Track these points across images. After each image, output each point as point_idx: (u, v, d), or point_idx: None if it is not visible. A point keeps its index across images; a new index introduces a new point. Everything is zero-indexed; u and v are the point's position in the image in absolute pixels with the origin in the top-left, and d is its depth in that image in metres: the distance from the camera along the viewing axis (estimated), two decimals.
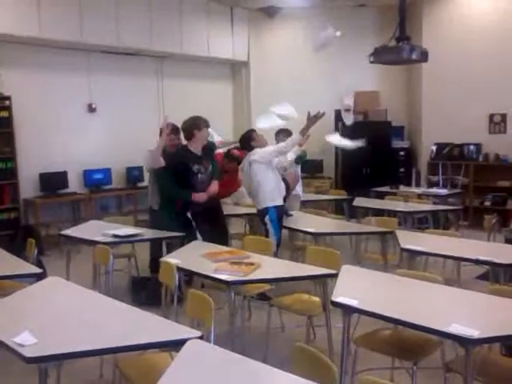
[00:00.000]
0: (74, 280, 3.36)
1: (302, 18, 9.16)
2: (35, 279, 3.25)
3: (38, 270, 3.42)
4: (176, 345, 2.21)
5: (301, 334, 3.65)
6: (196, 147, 4.76)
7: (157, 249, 5.25)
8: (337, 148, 9.10)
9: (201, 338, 2.25)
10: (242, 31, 9.29)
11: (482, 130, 7.99)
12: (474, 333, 2.21)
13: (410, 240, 4.07)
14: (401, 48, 5.10)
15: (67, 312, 2.63)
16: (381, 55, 5.22)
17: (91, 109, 7.68)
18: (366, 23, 9.11)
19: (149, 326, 2.46)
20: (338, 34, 5.72)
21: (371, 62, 5.35)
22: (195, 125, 4.72)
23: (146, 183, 6.40)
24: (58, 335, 2.30)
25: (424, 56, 5.31)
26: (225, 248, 4.19)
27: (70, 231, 4.78)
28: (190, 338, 2.20)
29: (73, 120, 7.47)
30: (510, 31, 7.64)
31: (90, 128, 7.61)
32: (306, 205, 6.19)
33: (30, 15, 6.46)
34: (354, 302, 2.64)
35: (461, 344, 2.26)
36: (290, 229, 5.15)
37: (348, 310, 2.68)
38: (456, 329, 2.26)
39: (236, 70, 9.76)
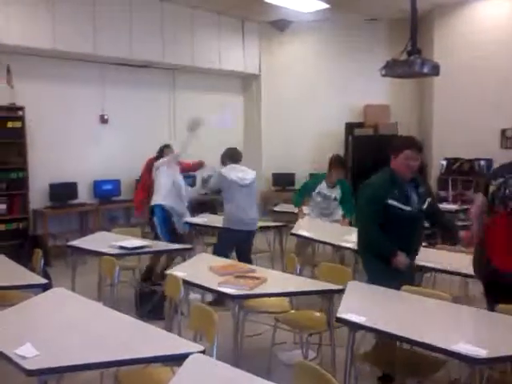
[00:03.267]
0: (79, 291, 3.35)
1: (313, 31, 9.20)
2: (41, 290, 3.25)
3: (44, 281, 3.42)
4: (178, 359, 2.19)
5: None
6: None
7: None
8: (346, 161, 9.08)
9: (203, 352, 2.23)
10: (253, 44, 9.35)
11: (493, 144, 7.91)
12: (481, 352, 2.17)
13: (419, 255, 4.02)
14: (412, 61, 5.09)
15: (71, 324, 2.62)
16: (392, 68, 5.22)
17: (103, 120, 7.75)
18: (378, 36, 9.12)
19: (151, 339, 2.45)
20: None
21: (383, 75, 5.35)
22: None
23: None
24: (60, 347, 2.29)
25: (435, 70, 5.30)
26: (230, 262, 4.17)
27: (77, 242, 4.79)
28: (193, 353, 2.18)
29: (85, 131, 7.53)
30: None
31: (101, 139, 7.67)
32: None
33: (44, 28, 6.56)
34: (360, 319, 2.60)
35: (468, 364, 2.21)
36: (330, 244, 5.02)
37: (353, 326, 2.64)
38: (463, 348, 2.21)
39: (247, 82, 9.80)
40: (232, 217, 5.03)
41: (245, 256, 5.08)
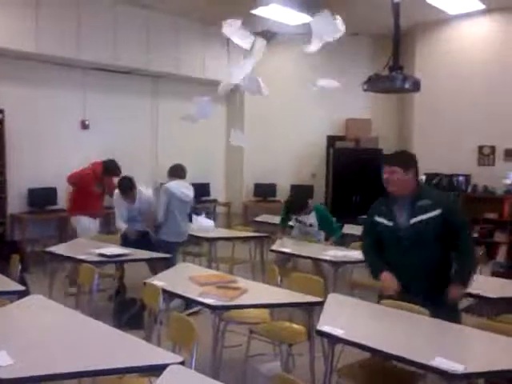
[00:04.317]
0: (57, 299, 3.30)
1: (297, 44, 9.26)
2: (17, 296, 3.19)
3: (20, 288, 3.35)
4: (156, 370, 2.16)
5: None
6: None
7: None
8: (327, 175, 9.17)
9: (182, 363, 2.21)
10: (238, 54, 9.37)
11: (471, 161, 8.07)
12: (458, 367, 2.19)
13: None
14: (394, 77, 5.18)
15: (47, 332, 2.58)
16: (374, 83, 5.30)
17: (84, 125, 7.68)
18: (360, 51, 9.25)
19: (129, 349, 2.42)
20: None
21: (365, 90, 5.42)
22: None
23: None
24: (35, 356, 2.25)
25: (416, 86, 5.40)
26: (212, 272, 4.15)
27: (56, 248, 4.73)
28: (171, 364, 2.15)
29: (65, 136, 7.45)
30: (501, 65, 7.78)
31: (82, 145, 7.59)
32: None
33: (27, 30, 6.49)
34: (339, 332, 2.60)
35: (445, 379, 2.23)
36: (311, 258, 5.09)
37: (333, 339, 2.64)
38: (440, 363, 2.23)
39: (230, 92, 9.80)
40: (171, 230, 5.38)
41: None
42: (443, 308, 2.94)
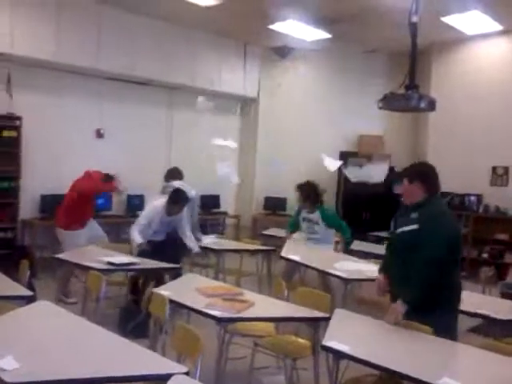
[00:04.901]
0: (64, 305, 3.32)
1: (313, 59, 9.35)
2: (25, 302, 3.22)
3: (28, 293, 3.38)
4: (160, 379, 2.17)
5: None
6: None
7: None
8: (338, 191, 9.16)
9: (186, 373, 2.21)
10: (254, 68, 9.46)
11: (483, 181, 8.02)
12: None
13: None
14: (410, 96, 5.17)
15: (53, 338, 2.59)
16: (389, 102, 5.28)
17: (99, 134, 7.77)
18: (376, 68, 9.27)
19: (134, 357, 2.43)
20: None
21: (380, 108, 5.41)
22: None
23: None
24: (41, 361, 2.26)
25: (432, 105, 5.38)
26: (218, 283, 4.15)
27: (65, 255, 4.76)
28: (176, 374, 2.16)
29: (80, 144, 7.53)
30: None
31: (96, 153, 7.65)
32: None
33: (48, 39, 6.62)
34: (344, 348, 2.59)
35: None
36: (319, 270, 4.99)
37: (338, 355, 2.63)
38: (447, 383, 2.21)
39: (245, 105, 9.89)
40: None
41: None
42: (424, 321, 2.89)
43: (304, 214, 5.73)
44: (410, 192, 3.14)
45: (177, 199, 5.20)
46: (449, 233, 2.97)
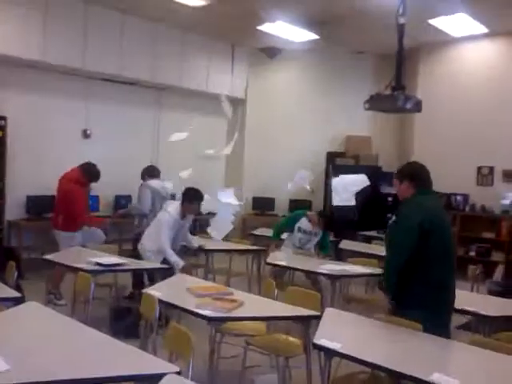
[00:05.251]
0: (53, 306, 3.29)
1: (301, 60, 9.38)
2: (13, 303, 3.18)
3: (16, 294, 3.34)
4: (152, 379, 2.15)
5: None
6: None
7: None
8: (326, 190, 9.18)
9: (179, 373, 2.21)
10: (242, 69, 9.47)
11: (469, 181, 8.11)
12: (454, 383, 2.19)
13: None
14: (396, 97, 5.19)
15: (43, 339, 2.57)
16: (376, 103, 5.31)
17: (86, 135, 7.71)
18: (363, 69, 9.33)
19: (125, 358, 2.41)
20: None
21: (366, 109, 5.43)
22: None
23: None
24: (32, 362, 2.24)
25: (418, 106, 5.42)
26: (209, 283, 4.15)
27: (53, 256, 4.72)
28: (168, 373, 2.15)
29: (67, 145, 7.47)
30: (502, 88, 7.86)
31: (82, 154, 7.54)
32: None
33: (35, 39, 6.56)
34: (336, 346, 2.60)
35: None
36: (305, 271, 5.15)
37: (329, 353, 2.64)
38: (438, 378, 2.23)
39: (233, 106, 9.86)
40: None
41: None
42: (404, 310, 3.01)
43: (302, 225, 5.77)
44: (401, 191, 3.29)
45: (191, 198, 5.02)
46: (419, 221, 2.99)
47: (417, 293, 2.98)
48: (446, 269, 3.13)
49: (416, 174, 3.23)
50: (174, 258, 4.71)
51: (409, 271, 2.99)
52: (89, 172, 5.78)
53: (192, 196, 5.03)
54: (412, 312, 2.95)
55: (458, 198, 8.13)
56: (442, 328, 2.96)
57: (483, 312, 3.43)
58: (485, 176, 8.04)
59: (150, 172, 6.19)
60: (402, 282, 3.01)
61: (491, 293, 5.32)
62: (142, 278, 5.20)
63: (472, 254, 7.84)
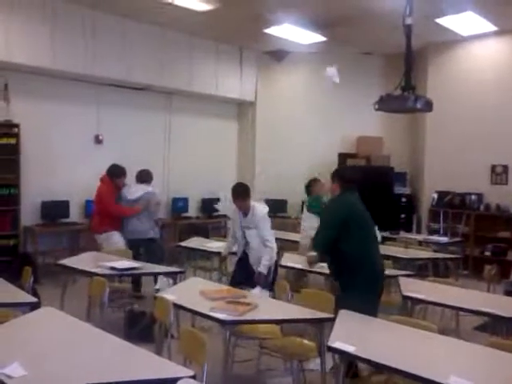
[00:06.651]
0: (68, 311, 3.32)
1: (309, 62, 9.36)
2: (29, 308, 3.22)
3: (33, 300, 3.38)
4: (167, 383, 2.16)
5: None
6: None
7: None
8: None
9: (193, 377, 2.21)
10: (251, 72, 9.48)
11: (483, 180, 8.02)
12: None
13: (412, 287, 4.05)
14: (406, 97, 5.16)
15: (59, 344, 2.59)
16: (386, 103, 5.28)
17: (98, 140, 7.76)
18: (372, 70, 9.30)
19: (141, 362, 2.42)
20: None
21: (376, 110, 5.41)
22: None
23: None
24: (47, 368, 2.26)
25: (428, 106, 5.38)
26: (223, 286, 4.15)
27: (67, 261, 4.76)
28: (182, 377, 2.16)
29: (79, 150, 7.53)
30: None
31: (95, 159, 7.65)
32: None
33: (44, 46, 6.62)
34: (350, 349, 2.59)
35: None
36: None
37: (344, 356, 2.63)
38: (456, 382, 2.21)
39: (242, 109, 9.91)
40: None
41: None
42: (343, 292, 3.66)
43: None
44: (332, 189, 3.99)
45: (240, 192, 5.21)
46: (342, 212, 3.76)
47: (349, 276, 3.60)
48: (368, 246, 3.76)
49: (343, 175, 3.97)
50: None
51: (341, 257, 3.63)
52: (109, 171, 6.24)
53: (243, 191, 5.28)
54: (347, 293, 3.59)
55: (473, 197, 8.04)
56: (369, 304, 3.43)
57: (500, 313, 3.38)
58: (499, 175, 7.95)
59: (142, 177, 6.36)
60: (339, 269, 3.72)
61: (508, 293, 5.25)
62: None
63: (487, 253, 7.75)
